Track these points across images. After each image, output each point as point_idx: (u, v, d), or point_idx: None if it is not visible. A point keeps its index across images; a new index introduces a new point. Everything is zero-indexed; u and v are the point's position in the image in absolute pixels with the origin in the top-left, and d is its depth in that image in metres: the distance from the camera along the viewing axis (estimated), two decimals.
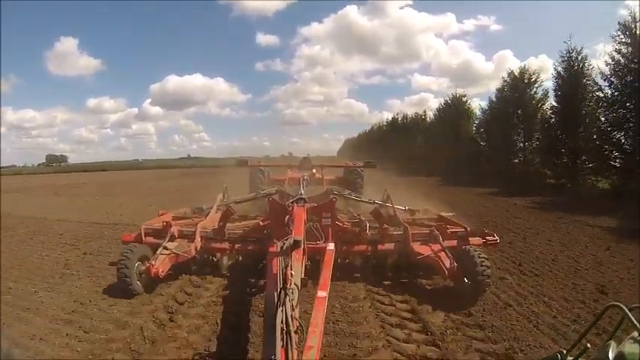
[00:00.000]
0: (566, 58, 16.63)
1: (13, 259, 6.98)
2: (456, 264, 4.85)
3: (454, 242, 5.53)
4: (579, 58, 16.27)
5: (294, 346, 2.33)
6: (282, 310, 2.49)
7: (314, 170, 10.74)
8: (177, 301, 4.82)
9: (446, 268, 4.87)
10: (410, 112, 45.21)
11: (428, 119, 32.79)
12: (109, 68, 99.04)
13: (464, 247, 5.21)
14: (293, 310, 2.64)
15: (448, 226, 5.96)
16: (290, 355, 2.24)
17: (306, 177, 8.87)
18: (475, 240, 5.58)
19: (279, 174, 11.30)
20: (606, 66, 14.13)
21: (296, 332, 2.49)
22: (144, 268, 4.94)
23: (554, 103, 17.75)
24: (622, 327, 1.20)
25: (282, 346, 2.27)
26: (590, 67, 15.61)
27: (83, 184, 28.74)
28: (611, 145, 14.21)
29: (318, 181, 10.29)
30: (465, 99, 27.78)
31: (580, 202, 12.97)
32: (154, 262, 4.88)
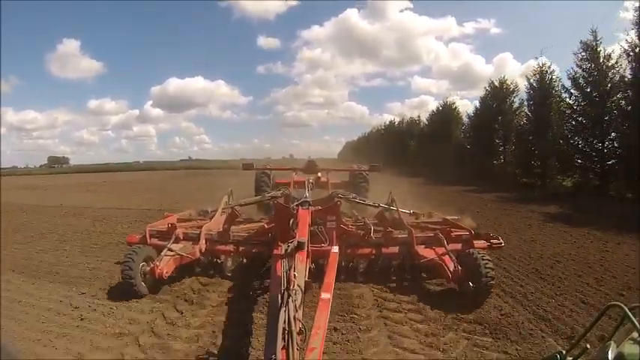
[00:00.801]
0: (538, 72, 19.53)
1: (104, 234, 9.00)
2: (460, 267, 4.83)
3: (458, 245, 5.51)
4: (549, 72, 19.24)
5: (296, 346, 2.33)
6: (284, 311, 2.50)
7: (319, 174, 10.78)
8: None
9: (450, 271, 4.84)
10: (410, 114, 48.04)
11: (421, 124, 35.00)
12: (111, 70, 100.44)
13: (468, 250, 5.19)
14: (296, 311, 2.64)
15: (452, 230, 5.93)
16: (291, 355, 2.24)
17: (311, 180, 8.89)
18: (479, 243, 5.54)
19: (284, 177, 11.34)
20: (568, 79, 16.85)
21: (299, 333, 2.49)
22: (148, 269, 4.97)
23: (528, 112, 20.54)
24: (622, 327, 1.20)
25: (284, 346, 2.27)
26: (559, 79, 18.51)
27: (104, 183, 31.34)
28: (573, 148, 16.67)
29: (323, 185, 10.31)
30: (454, 106, 30.08)
31: (544, 197, 15.07)
32: (158, 263, 4.91)
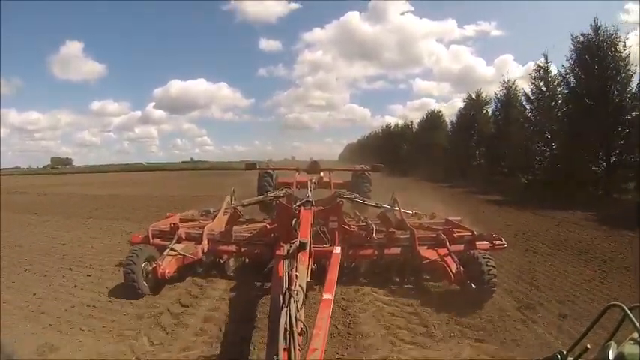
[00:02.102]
0: (505, 86, 23.17)
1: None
2: (462, 268, 4.81)
3: (461, 246, 5.49)
4: (513, 86, 22.73)
5: (297, 347, 2.32)
6: (286, 312, 2.50)
7: (322, 174, 10.78)
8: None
9: (452, 272, 4.83)
10: (412, 116, 51.10)
11: (414, 129, 38.28)
12: (113, 72, 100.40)
13: (470, 251, 5.17)
14: (297, 311, 2.64)
15: (455, 230, 5.91)
16: (293, 356, 2.23)
17: (313, 180, 8.90)
18: (482, 244, 5.52)
19: (286, 177, 11.35)
20: (523, 97, 20.50)
21: (300, 334, 2.49)
22: (150, 268, 4.98)
23: (495, 121, 24.33)
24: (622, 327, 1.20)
25: (285, 347, 2.27)
26: (522, 90, 21.24)
27: (130, 180, 34.57)
28: (531, 152, 19.57)
29: (326, 185, 10.32)
30: (440, 114, 34.10)
31: (504, 191, 18.37)
32: (160, 263, 4.92)
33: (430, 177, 25.75)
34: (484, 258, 4.76)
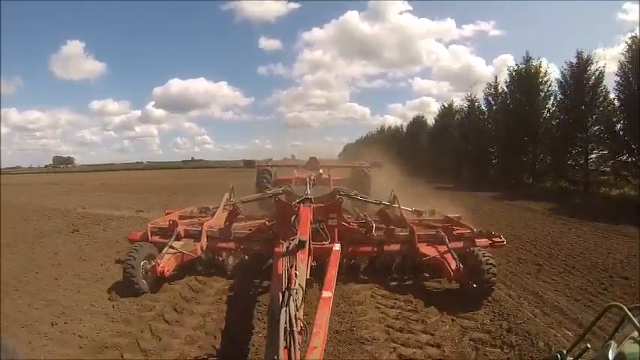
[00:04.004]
0: (468, 99, 27.68)
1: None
2: (461, 266, 4.81)
3: (460, 244, 5.49)
4: (476, 98, 27.00)
5: (297, 346, 2.31)
6: (285, 311, 2.48)
7: (321, 170, 10.74)
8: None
9: (451, 269, 4.83)
10: (411, 115, 53.25)
11: (402, 132, 43.21)
12: (114, 71, 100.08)
13: (470, 248, 5.16)
14: (297, 310, 2.62)
15: (454, 228, 5.90)
16: (293, 355, 2.22)
17: (313, 177, 8.86)
18: (481, 241, 5.52)
19: (285, 174, 11.31)
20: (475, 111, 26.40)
21: (300, 333, 2.47)
22: (150, 266, 4.97)
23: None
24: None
25: (285, 346, 2.26)
26: (483, 98, 25.55)
27: (144, 179, 36.01)
28: (488, 153, 24.32)
29: (325, 182, 10.28)
30: (425, 119, 38.80)
31: (472, 183, 22.14)
32: (159, 261, 4.91)
33: (408, 171, 27.83)
34: (484, 256, 4.76)
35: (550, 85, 19.52)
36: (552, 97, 19.40)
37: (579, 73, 17.24)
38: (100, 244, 7.87)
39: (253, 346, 3.66)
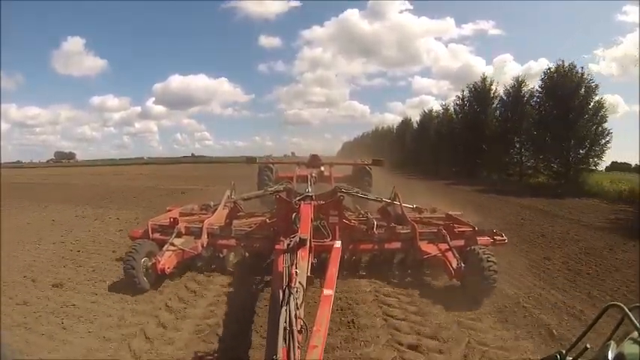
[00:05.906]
0: (444, 107, 34.12)
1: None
2: (462, 264, 4.79)
3: (461, 242, 5.45)
4: (447, 107, 33.23)
5: (297, 345, 2.30)
6: (285, 310, 2.47)
7: (322, 168, 10.72)
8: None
9: (452, 267, 4.81)
10: (411, 114, 60.87)
11: (393, 132, 48.58)
12: (114, 67, 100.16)
13: (471, 246, 5.14)
14: (297, 309, 2.60)
15: (456, 226, 5.88)
16: (292, 355, 2.21)
17: (314, 174, 8.85)
18: (483, 239, 5.49)
19: (286, 171, 11.30)
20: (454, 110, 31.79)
21: (300, 332, 2.46)
22: (150, 263, 4.97)
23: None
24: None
25: (285, 345, 2.25)
26: (453, 105, 31.84)
27: (157, 172, 37.55)
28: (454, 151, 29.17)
29: (326, 179, 10.27)
30: (411, 121, 43.89)
31: (441, 175, 27.81)
32: (160, 258, 4.91)
33: (396, 166, 32.70)
34: (485, 254, 4.74)
35: (498, 99, 25.75)
36: (497, 110, 25.90)
37: (516, 91, 23.70)
38: (202, 199, 8.71)
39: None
